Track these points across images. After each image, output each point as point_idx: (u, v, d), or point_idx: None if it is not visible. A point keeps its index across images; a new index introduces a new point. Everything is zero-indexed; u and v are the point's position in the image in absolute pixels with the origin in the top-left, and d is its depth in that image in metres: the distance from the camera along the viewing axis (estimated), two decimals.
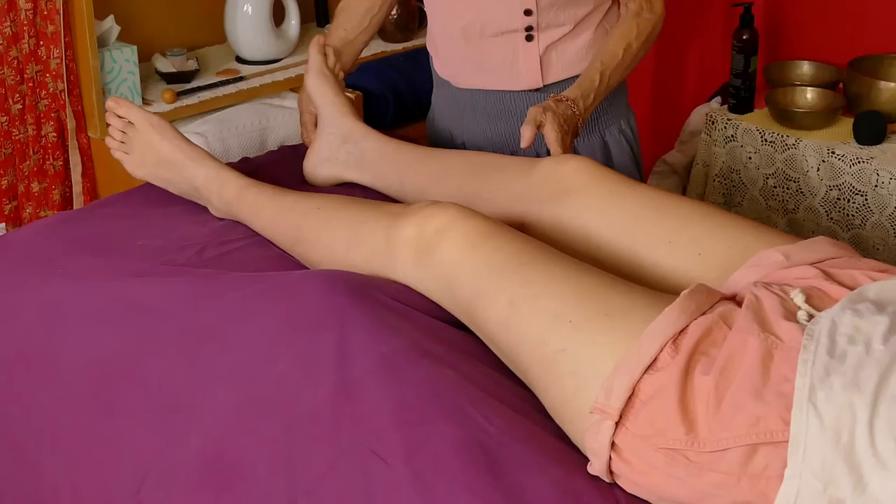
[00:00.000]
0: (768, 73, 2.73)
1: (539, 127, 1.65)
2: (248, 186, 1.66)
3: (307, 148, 1.87)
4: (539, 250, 1.32)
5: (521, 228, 1.48)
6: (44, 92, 2.39)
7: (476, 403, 1.21)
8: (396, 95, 2.76)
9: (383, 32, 2.91)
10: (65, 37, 2.35)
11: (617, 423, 1.13)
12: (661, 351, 1.13)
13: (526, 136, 1.63)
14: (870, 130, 2.41)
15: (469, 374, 1.27)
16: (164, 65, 2.59)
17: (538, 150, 1.88)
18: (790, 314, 1.15)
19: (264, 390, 1.29)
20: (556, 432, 1.22)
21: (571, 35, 1.88)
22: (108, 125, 1.78)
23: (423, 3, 2.00)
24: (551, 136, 1.65)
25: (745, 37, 2.57)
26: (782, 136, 2.50)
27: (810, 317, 1.15)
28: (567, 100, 1.72)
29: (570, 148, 1.69)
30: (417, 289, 1.40)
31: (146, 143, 1.73)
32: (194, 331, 1.40)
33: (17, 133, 2.39)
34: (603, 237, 1.45)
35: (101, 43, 2.43)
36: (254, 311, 1.38)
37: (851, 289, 1.19)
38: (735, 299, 1.25)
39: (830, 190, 2.44)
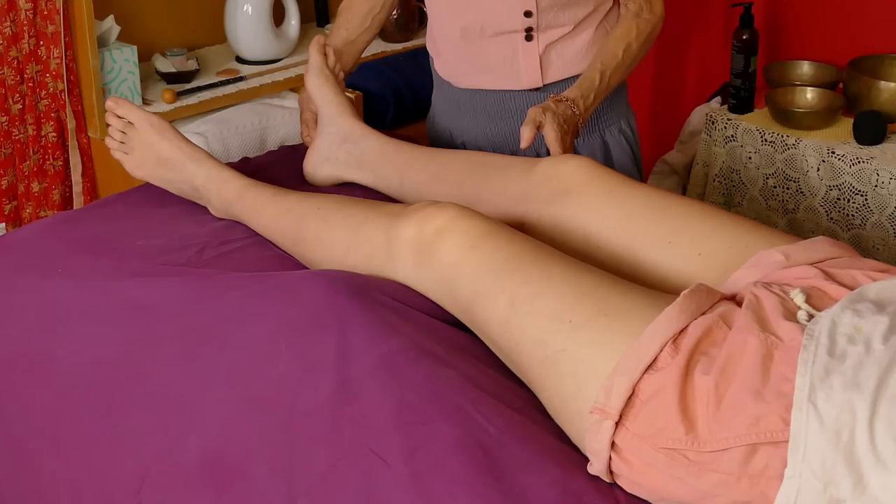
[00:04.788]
0: (768, 73, 2.73)
1: (539, 127, 1.65)
2: (248, 186, 1.66)
3: (307, 148, 1.87)
4: (539, 250, 1.32)
5: (521, 228, 1.48)
6: (44, 92, 2.39)
7: (476, 403, 1.21)
8: (396, 95, 2.76)
9: (383, 32, 2.91)
10: (65, 37, 2.35)
11: (617, 423, 1.13)
12: (661, 351, 1.13)
13: (526, 136, 1.63)
14: (870, 130, 2.41)
15: (469, 374, 1.27)
16: (164, 65, 2.59)
17: (538, 150, 1.88)
18: (790, 314, 1.15)
19: (264, 390, 1.29)
20: (556, 432, 1.22)
21: (571, 35, 1.88)
22: (107, 125, 1.78)
23: (423, 3, 2.00)
24: (551, 136, 1.65)
25: (745, 37, 2.57)
26: (782, 136, 2.50)
27: (810, 317, 1.15)
28: (567, 100, 1.72)
29: (570, 148, 1.69)
30: (417, 289, 1.40)
31: (146, 144, 1.73)
32: (194, 331, 1.40)
33: (17, 133, 2.39)
34: (603, 237, 1.45)
35: (101, 43, 2.43)
36: (254, 312, 1.38)
37: (851, 289, 1.19)
38: (735, 299, 1.25)
39: (830, 190, 2.44)
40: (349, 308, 1.32)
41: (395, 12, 2.85)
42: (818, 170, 2.45)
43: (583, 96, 1.75)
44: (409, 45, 2.98)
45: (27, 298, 1.55)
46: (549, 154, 1.67)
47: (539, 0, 1.82)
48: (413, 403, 1.21)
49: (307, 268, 1.53)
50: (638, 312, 1.19)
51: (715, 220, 1.39)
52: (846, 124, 2.49)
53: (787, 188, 2.52)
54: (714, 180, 2.65)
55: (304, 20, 2.87)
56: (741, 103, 2.61)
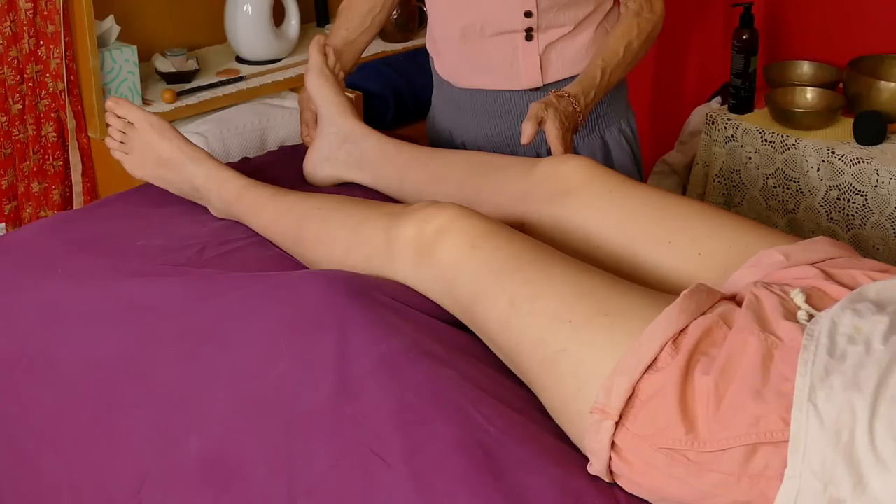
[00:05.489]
0: (768, 73, 2.73)
1: (540, 123, 1.65)
2: (248, 186, 1.66)
3: (307, 148, 1.87)
4: (539, 250, 1.32)
5: (521, 228, 1.48)
6: (44, 92, 2.39)
7: (476, 403, 1.21)
8: (396, 95, 2.76)
9: (383, 32, 2.91)
10: (65, 37, 2.35)
11: (617, 423, 1.13)
12: (661, 351, 1.13)
13: (527, 132, 1.63)
14: (870, 130, 2.41)
15: (469, 374, 1.27)
16: (164, 65, 2.59)
17: (538, 150, 1.88)
18: (790, 314, 1.15)
19: (264, 390, 1.29)
20: (556, 432, 1.22)
21: (571, 35, 1.88)
22: (107, 125, 1.78)
23: (423, 3, 2.00)
24: (552, 133, 1.65)
25: (745, 37, 2.57)
26: (782, 136, 2.50)
27: (810, 317, 1.15)
28: (568, 96, 1.72)
29: (570, 145, 1.69)
30: (417, 289, 1.40)
31: (146, 144, 1.73)
32: (194, 331, 1.40)
33: (17, 133, 2.39)
34: (603, 237, 1.45)
35: (101, 43, 2.43)
36: (254, 312, 1.38)
37: (851, 289, 1.19)
38: (735, 299, 1.25)
39: (830, 190, 2.44)
40: (349, 308, 1.32)
41: (395, 12, 2.85)
42: (818, 170, 2.45)
43: (584, 93, 1.75)
44: (409, 45, 2.98)
45: (27, 298, 1.55)
46: (549, 153, 1.67)
47: (539, 0, 1.82)
48: (413, 403, 1.21)
49: (307, 268, 1.53)
50: (638, 312, 1.19)
51: (715, 220, 1.39)
52: (846, 124, 2.49)
53: (787, 188, 2.52)
54: (714, 180, 2.65)
55: (304, 20, 2.87)
56: (741, 103, 2.61)
